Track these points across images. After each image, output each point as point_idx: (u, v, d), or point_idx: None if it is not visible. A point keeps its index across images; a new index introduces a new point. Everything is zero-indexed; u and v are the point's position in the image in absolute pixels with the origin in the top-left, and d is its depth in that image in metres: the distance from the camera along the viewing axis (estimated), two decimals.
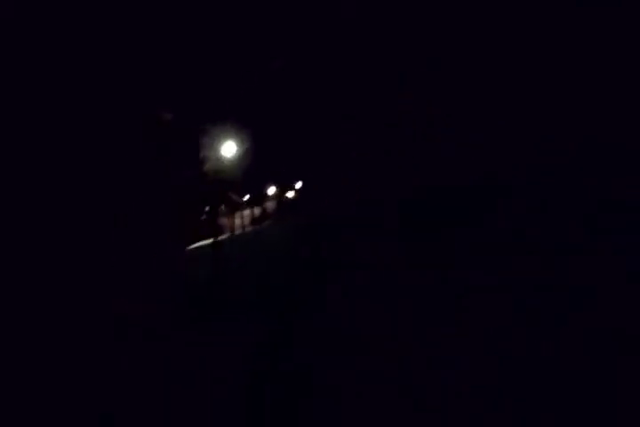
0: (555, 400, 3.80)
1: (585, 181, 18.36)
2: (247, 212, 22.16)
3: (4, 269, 10.94)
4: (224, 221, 20.23)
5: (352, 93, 17.24)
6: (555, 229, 15.36)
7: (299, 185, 22.77)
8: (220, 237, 17.70)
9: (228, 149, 14.74)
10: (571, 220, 15.70)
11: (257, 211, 22.67)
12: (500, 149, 18.73)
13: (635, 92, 16.09)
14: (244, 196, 21.35)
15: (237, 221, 20.73)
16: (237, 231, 20.31)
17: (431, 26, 16.82)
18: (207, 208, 18.16)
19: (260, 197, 22.18)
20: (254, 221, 22.15)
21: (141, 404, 4.23)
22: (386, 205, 17.36)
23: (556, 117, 18.04)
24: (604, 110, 17.37)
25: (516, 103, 18.09)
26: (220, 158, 15.58)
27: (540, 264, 9.67)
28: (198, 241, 18.21)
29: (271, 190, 22.13)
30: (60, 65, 14.87)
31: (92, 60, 14.97)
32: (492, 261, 10.57)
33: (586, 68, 17.21)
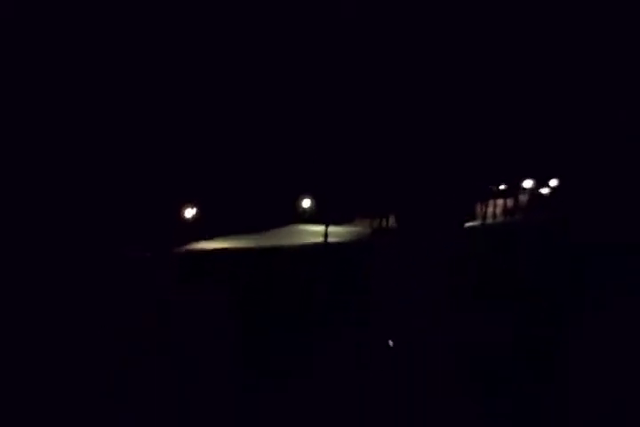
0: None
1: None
2: (500, 202, 23.01)
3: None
4: (478, 208, 21.15)
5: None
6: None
7: (554, 182, 23.45)
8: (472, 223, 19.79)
9: None
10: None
11: (510, 202, 23.46)
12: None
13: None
14: (499, 185, 22.15)
15: (490, 209, 21.55)
16: (489, 220, 21.29)
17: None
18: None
19: (514, 189, 22.94)
20: (506, 211, 22.90)
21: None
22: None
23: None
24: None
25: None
26: None
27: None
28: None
29: (527, 183, 22.98)
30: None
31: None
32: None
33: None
